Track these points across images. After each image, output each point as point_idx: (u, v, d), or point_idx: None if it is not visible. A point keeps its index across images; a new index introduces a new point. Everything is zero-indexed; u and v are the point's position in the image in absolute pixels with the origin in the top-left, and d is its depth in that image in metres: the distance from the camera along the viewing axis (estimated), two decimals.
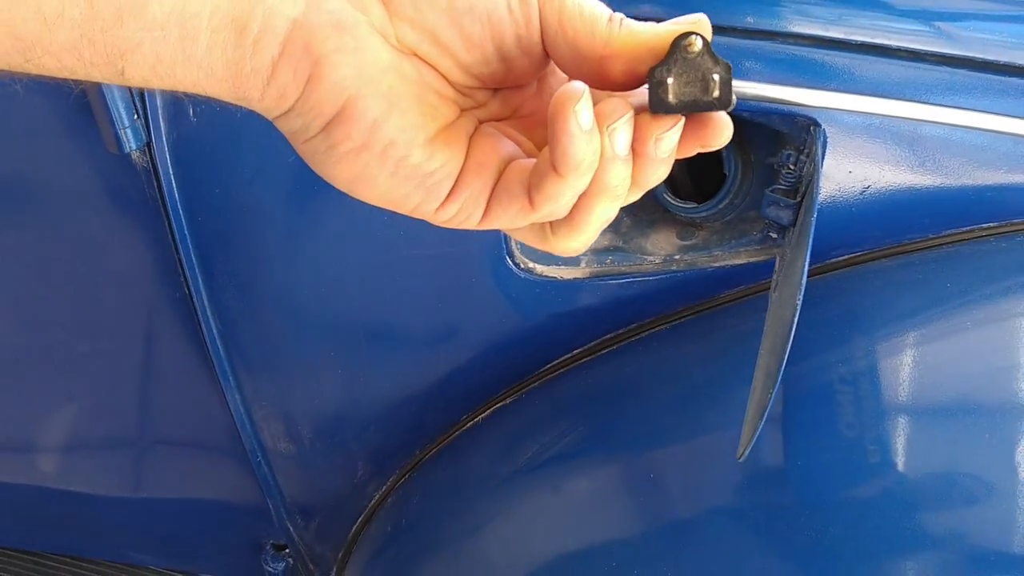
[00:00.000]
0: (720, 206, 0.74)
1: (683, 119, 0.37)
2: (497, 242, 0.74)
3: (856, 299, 0.70)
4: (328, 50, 0.37)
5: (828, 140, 0.66)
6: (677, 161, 0.72)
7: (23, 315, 0.96)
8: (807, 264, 0.55)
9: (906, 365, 0.67)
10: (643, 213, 0.78)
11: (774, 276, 0.68)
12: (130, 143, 0.69)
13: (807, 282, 0.70)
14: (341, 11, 0.37)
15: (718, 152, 0.73)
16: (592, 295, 0.76)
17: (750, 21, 0.64)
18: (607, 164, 0.37)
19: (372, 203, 0.40)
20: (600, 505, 0.75)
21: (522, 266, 0.74)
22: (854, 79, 0.65)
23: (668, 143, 0.38)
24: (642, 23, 0.38)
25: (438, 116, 0.40)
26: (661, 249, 0.76)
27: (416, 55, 0.39)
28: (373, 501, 0.98)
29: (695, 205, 0.75)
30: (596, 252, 0.76)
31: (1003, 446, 0.61)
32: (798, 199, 0.67)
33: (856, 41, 0.65)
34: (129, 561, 1.26)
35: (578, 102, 0.35)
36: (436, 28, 0.39)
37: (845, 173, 0.67)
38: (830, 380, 0.68)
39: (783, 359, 0.54)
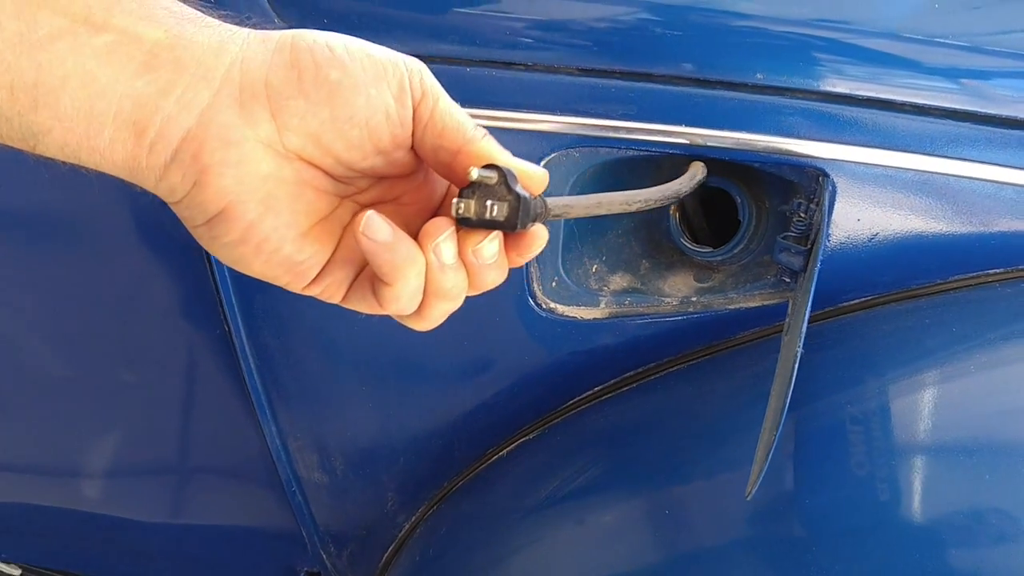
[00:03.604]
0: (735, 251, 0.77)
1: (499, 233, 0.46)
2: (520, 282, 0.77)
3: (866, 342, 0.72)
4: (214, 161, 0.43)
5: (838, 189, 0.69)
6: (695, 207, 0.75)
7: (72, 346, 1.01)
8: (808, 310, 0.58)
9: (914, 406, 0.69)
10: (661, 256, 0.81)
11: (787, 319, 0.71)
12: None
13: (820, 325, 0.73)
14: (231, 126, 0.43)
15: (733, 199, 0.76)
16: (612, 334, 0.79)
17: (760, 77, 0.67)
18: (437, 273, 0.45)
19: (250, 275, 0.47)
20: (619, 538, 0.77)
21: (544, 306, 0.78)
22: (861, 131, 0.68)
23: (486, 253, 0.46)
24: (501, 148, 0.47)
25: (313, 212, 0.46)
26: (678, 291, 0.79)
27: (300, 158, 0.45)
28: (403, 531, 1.01)
29: (711, 249, 0.78)
30: (615, 294, 0.79)
31: (1003, 487, 0.62)
32: (808, 245, 0.69)
33: (861, 96, 0.67)
34: None
35: (362, 224, 0.43)
36: (319, 134, 0.44)
37: (854, 221, 0.70)
38: (841, 420, 0.70)
39: (786, 401, 0.57)
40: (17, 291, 0.98)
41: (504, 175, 0.45)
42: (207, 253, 0.79)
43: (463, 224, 0.45)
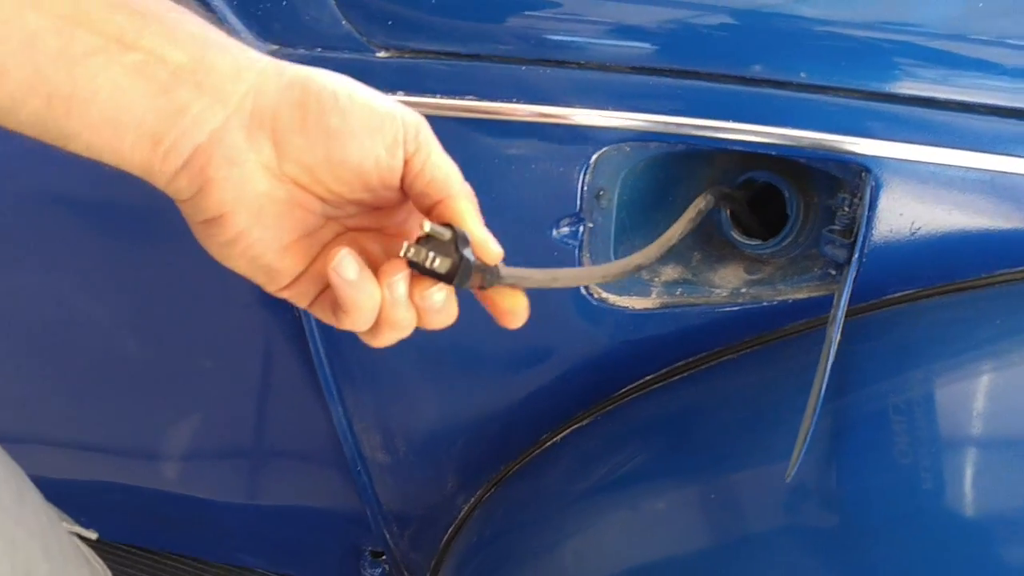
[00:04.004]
0: (783, 244, 0.79)
1: (445, 285, 0.51)
2: None
3: (910, 333, 0.74)
4: (219, 176, 0.48)
5: (882, 184, 0.70)
6: (744, 202, 0.78)
7: (155, 332, 1.06)
8: (846, 298, 0.60)
9: (957, 397, 0.70)
10: (712, 249, 0.84)
11: (832, 311, 0.73)
12: None
13: (864, 317, 0.75)
14: (236, 147, 0.48)
15: (782, 194, 0.79)
16: (663, 324, 0.82)
17: (803, 76, 0.70)
18: (388, 306, 0.51)
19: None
20: (667, 523, 0.79)
21: (596, 296, 0.81)
22: (904, 128, 0.70)
23: (432, 299, 0.51)
24: (476, 210, 0.53)
25: (298, 228, 0.52)
26: (728, 283, 0.81)
27: (295, 183, 0.51)
28: (462, 512, 1.04)
29: (761, 242, 0.81)
30: (667, 284, 0.82)
31: None
32: (852, 239, 0.71)
33: (904, 94, 0.69)
34: (241, 564, 1.34)
35: (334, 261, 0.49)
36: (313, 167, 0.50)
37: (897, 215, 0.71)
38: (885, 409, 0.71)
39: (822, 388, 0.59)
40: (104, 278, 1.04)
41: (456, 236, 0.50)
42: None
43: (412, 267, 0.50)
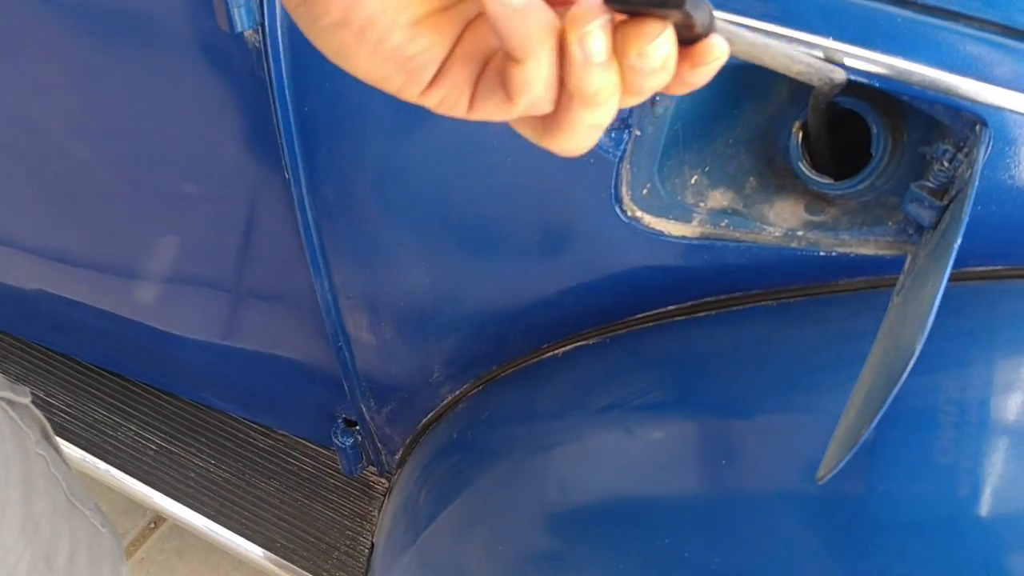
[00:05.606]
0: (860, 187, 0.67)
1: (670, 28, 0.33)
2: (607, 183, 0.69)
3: (984, 317, 0.64)
4: None
5: (993, 143, 0.58)
6: (821, 128, 0.65)
7: (135, 149, 0.97)
8: (941, 291, 0.49)
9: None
10: (772, 177, 0.72)
11: (901, 277, 0.62)
12: (242, 23, 0.66)
13: None
14: None
15: (867, 127, 0.66)
16: (698, 256, 0.71)
17: None
18: (579, 71, 0.34)
19: (358, 78, 0.38)
20: (662, 465, 0.72)
21: (628, 213, 0.70)
22: None
23: (655, 56, 0.34)
24: None
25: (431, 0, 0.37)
26: (784, 221, 0.70)
27: None
28: (446, 401, 0.98)
29: (831, 181, 0.69)
30: (712, 212, 0.70)
31: None
32: (945, 202, 0.60)
33: None
34: (208, 404, 1.30)
35: None
36: None
37: (1004, 178, 0.60)
38: (935, 398, 0.62)
39: (891, 392, 0.49)
40: (86, 80, 0.94)
41: None
42: (272, 92, 0.72)
43: (611, 5, 0.33)
